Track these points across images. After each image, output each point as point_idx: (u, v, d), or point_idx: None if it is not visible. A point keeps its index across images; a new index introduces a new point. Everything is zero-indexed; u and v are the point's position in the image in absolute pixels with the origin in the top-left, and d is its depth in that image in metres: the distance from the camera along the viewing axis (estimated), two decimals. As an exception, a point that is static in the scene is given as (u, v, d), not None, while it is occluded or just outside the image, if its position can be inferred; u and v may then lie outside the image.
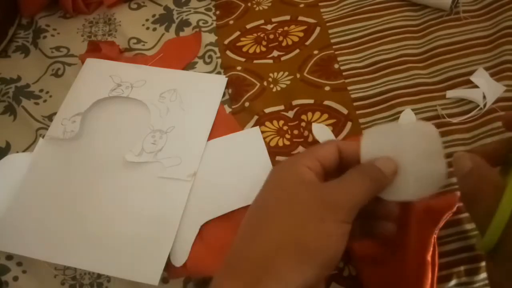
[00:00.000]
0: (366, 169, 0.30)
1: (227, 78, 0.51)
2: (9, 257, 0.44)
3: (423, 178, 0.30)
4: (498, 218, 0.25)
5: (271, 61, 0.52)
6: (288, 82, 0.50)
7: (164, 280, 0.41)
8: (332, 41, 0.52)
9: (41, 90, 0.54)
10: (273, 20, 0.55)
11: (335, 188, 0.29)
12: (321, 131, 0.46)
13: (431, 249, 0.36)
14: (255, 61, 0.52)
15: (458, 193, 0.39)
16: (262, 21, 0.56)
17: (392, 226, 0.32)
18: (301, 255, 0.27)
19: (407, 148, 0.30)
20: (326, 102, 0.48)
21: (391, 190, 0.30)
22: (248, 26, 0.55)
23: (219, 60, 0.53)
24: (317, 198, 0.28)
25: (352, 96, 0.48)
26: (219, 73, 0.52)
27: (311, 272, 0.27)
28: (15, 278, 0.43)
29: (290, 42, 0.53)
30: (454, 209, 0.38)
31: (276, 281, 0.26)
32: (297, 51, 0.52)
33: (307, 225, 0.27)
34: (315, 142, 0.45)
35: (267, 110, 0.48)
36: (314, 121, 0.46)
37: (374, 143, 0.31)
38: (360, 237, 0.32)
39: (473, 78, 0.46)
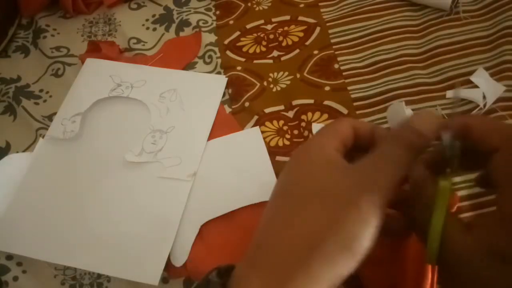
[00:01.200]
0: (400, 135, 0.27)
1: (227, 78, 0.51)
2: (9, 257, 0.44)
3: None
4: (433, 227, 0.25)
5: (271, 61, 0.52)
6: (288, 82, 0.50)
7: (164, 280, 0.41)
8: (332, 41, 0.52)
9: (41, 90, 0.54)
10: (273, 20, 0.55)
11: (372, 166, 0.26)
12: (321, 131, 0.45)
13: (431, 249, 0.36)
14: (255, 61, 0.52)
15: (459, 193, 0.39)
16: (262, 21, 0.56)
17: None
18: (336, 250, 0.25)
19: None
20: (326, 102, 0.48)
21: None
22: (248, 26, 0.55)
23: (219, 60, 0.53)
24: (355, 182, 0.26)
25: (352, 96, 0.48)
26: (219, 73, 0.52)
27: (346, 268, 0.25)
28: (15, 278, 0.43)
29: (290, 42, 0.53)
30: (454, 209, 0.38)
31: (310, 278, 0.24)
32: (297, 51, 0.52)
33: (344, 216, 0.25)
34: (315, 142, 0.45)
35: (267, 110, 0.48)
36: (314, 121, 0.46)
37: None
38: None
39: (473, 78, 0.46)
